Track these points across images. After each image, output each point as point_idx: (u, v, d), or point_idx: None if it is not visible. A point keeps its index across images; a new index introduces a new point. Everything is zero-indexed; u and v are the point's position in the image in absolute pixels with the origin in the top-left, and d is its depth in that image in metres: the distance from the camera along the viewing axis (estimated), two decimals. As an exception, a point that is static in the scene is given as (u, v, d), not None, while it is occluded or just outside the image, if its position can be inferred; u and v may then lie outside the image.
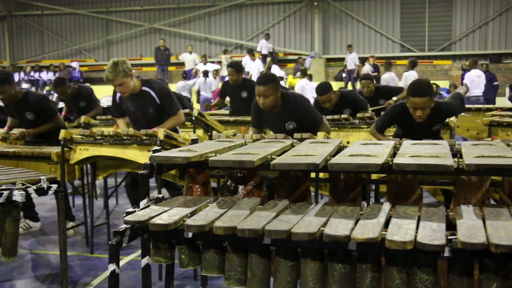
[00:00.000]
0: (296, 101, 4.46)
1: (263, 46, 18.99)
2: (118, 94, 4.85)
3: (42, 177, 3.47)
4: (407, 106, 4.14)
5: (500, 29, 19.45)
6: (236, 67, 7.10)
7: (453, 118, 5.99)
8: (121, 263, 4.44)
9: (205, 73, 16.28)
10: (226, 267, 2.06)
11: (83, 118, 6.21)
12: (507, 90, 14.05)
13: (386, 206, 2.12)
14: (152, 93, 4.72)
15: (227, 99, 7.40)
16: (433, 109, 4.07)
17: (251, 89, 6.97)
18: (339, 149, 2.62)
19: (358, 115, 5.40)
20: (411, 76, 12.21)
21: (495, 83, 15.20)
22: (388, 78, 13.72)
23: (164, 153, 2.47)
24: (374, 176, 2.90)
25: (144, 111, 4.74)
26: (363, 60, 17.84)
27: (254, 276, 2.01)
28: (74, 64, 20.99)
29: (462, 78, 16.14)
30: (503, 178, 2.39)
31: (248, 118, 6.59)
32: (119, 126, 5.04)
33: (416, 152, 2.31)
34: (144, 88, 4.72)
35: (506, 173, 2.22)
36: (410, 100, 4.00)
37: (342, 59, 19.45)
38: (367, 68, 15.98)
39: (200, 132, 6.10)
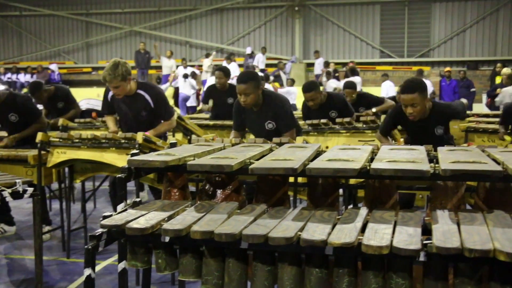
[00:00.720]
0: (276, 101, 4.50)
1: (260, 60, 18.98)
2: (111, 93, 4.80)
3: (17, 181, 3.43)
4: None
5: (477, 36, 19.76)
6: (225, 70, 7.10)
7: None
8: (98, 267, 4.40)
9: (185, 76, 16.24)
10: (203, 272, 2.06)
11: (61, 121, 6.14)
12: (484, 96, 14.23)
13: (363, 211, 2.13)
14: (147, 97, 4.69)
15: (210, 103, 7.30)
16: (432, 109, 4.12)
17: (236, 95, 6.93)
18: (318, 153, 2.63)
19: (338, 120, 5.43)
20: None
21: (472, 89, 15.42)
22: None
23: (142, 157, 2.45)
24: (352, 181, 2.93)
25: (136, 113, 4.72)
26: (327, 64, 18.02)
27: (231, 280, 2.01)
28: (53, 67, 20.76)
29: (441, 85, 16.37)
30: (478, 184, 2.43)
31: (228, 123, 6.59)
32: (107, 123, 5.00)
33: (393, 157, 2.33)
34: (139, 91, 4.70)
35: (481, 178, 2.25)
36: (400, 98, 4.09)
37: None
38: (331, 82, 16.16)
39: (179, 136, 6.09)
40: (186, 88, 16.14)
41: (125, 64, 4.54)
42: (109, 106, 4.89)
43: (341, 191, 3.41)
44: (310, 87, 5.84)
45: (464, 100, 10.15)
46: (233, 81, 9.06)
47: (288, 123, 4.48)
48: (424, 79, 9.99)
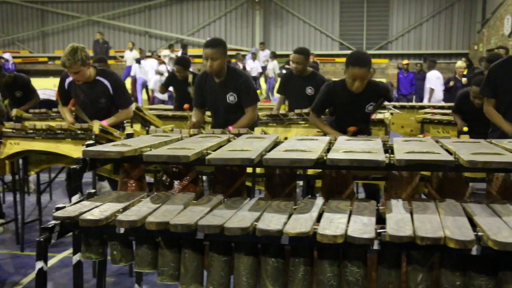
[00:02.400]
0: (241, 74, 4.56)
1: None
2: (68, 81, 4.69)
3: (-32, 172, 3.32)
4: (339, 83, 4.24)
5: (433, 30, 20.17)
6: (183, 63, 7.09)
7: (388, 115, 6.14)
8: (54, 260, 4.32)
9: (137, 61, 16.05)
10: (159, 263, 2.03)
11: (15, 111, 5.98)
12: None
13: (319, 201, 2.14)
14: (107, 83, 4.62)
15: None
16: (368, 84, 4.15)
17: None
18: (275, 144, 2.63)
19: (296, 111, 5.45)
20: (433, 76, 12.30)
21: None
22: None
23: (97, 148, 2.41)
24: (310, 171, 2.94)
25: (95, 100, 4.63)
26: (274, 55, 18.19)
27: (187, 271, 2.00)
28: (7, 56, 20.13)
29: (398, 77, 16.63)
30: (431, 173, 2.47)
31: (187, 114, 6.55)
32: (64, 115, 4.88)
33: (349, 148, 2.35)
34: (98, 77, 4.62)
35: (434, 168, 2.30)
36: (350, 70, 4.03)
37: (283, 56, 19.62)
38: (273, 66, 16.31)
39: (137, 127, 6.01)
40: (143, 72, 15.95)
41: (83, 49, 4.46)
42: (66, 95, 4.78)
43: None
44: (300, 51, 5.94)
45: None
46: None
47: (251, 97, 4.50)
48: (435, 70, 9.90)
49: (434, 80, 12.02)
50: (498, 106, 4.25)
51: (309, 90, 5.83)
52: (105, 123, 4.45)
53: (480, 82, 5.35)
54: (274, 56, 18.28)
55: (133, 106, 5.73)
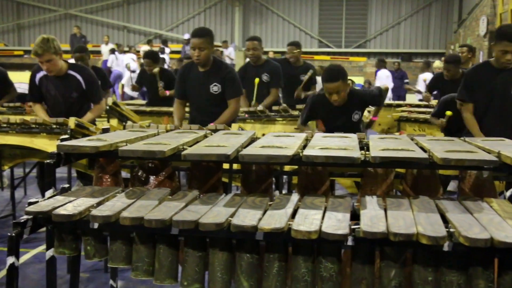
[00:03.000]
0: (227, 65, 4.61)
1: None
2: (38, 76, 4.62)
3: None
4: (322, 95, 4.26)
5: (411, 29, 20.36)
6: (152, 57, 7.05)
7: (365, 113, 6.18)
8: (28, 256, 4.27)
9: (112, 51, 15.81)
10: (134, 258, 2.02)
11: (-11, 105, 5.89)
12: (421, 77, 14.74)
13: (295, 197, 2.15)
14: (79, 78, 4.57)
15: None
16: (350, 95, 4.18)
17: (167, 79, 6.97)
18: (252, 140, 2.63)
19: (274, 107, 5.46)
20: (383, 74, 12.50)
21: (406, 80, 15.84)
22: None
23: (72, 142, 2.38)
24: (287, 168, 2.95)
25: (66, 95, 4.57)
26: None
27: (162, 267, 1.99)
28: (-19, 48, 19.87)
29: (376, 75, 16.76)
30: (406, 170, 2.50)
31: (165, 109, 6.52)
32: (37, 113, 4.80)
33: (326, 145, 2.36)
34: (70, 71, 4.56)
35: (408, 165, 2.32)
36: (324, 86, 4.12)
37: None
38: None
39: (114, 122, 5.96)
40: (119, 64, 15.65)
41: (55, 39, 4.43)
42: (36, 91, 4.70)
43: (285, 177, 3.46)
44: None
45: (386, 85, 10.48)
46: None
47: (236, 89, 4.52)
48: (428, 72, 9.99)
49: (384, 78, 12.34)
50: (475, 111, 4.31)
51: (265, 77, 5.93)
52: None
53: (451, 58, 5.47)
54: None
55: (110, 100, 5.71)
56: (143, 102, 7.85)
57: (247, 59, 6.52)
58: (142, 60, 8.10)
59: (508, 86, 4.16)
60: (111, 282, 3.19)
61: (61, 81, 4.55)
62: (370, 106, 5.33)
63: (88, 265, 4.04)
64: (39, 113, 4.70)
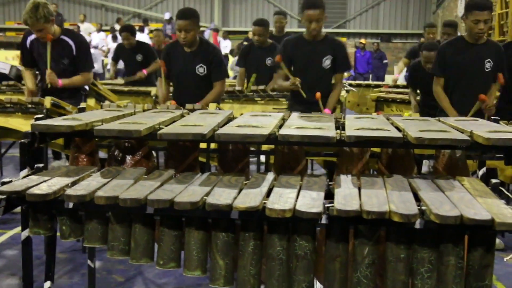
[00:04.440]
0: (214, 47, 4.59)
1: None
2: (29, 39, 4.53)
3: None
4: (295, 36, 4.35)
5: (390, 10, 20.39)
6: (130, 30, 7.05)
7: (343, 93, 6.20)
8: (4, 237, 4.24)
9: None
10: (109, 238, 2.02)
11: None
12: (395, 68, 14.78)
13: (270, 176, 2.16)
14: (71, 43, 4.49)
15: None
16: (325, 37, 4.25)
17: (146, 52, 6.98)
18: (229, 120, 2.63)
19: (252, 88, 5.45)
20: None
21: (385, 61, 15.93)
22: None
23: (47, 121, 2.35)
24: (265, 147, 2.96)
25: (58, 60, 4.49)
26: (216, 30, 18.16)
27: (138, 246, 1.99)
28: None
29: (355, 56, 16.80)
30: (381, 150, 2.52)
31: (143, 89, 6.48)
32: (25, 80, 4.72)
33: (302, 124, 2.37)
34: (63, 36, 4.48)
35: (382, 144, 2.35)
36: (305, 14, 4.12)
37: (242, 32, 19.51)
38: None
39: (92, 101, 5.89)
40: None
41: (46, 4, 4.29)
42: (28, 54, 4.60)
43: (262, 157, 3.45)
44: (263, 22, 6.14)
45: None
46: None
47: (222, 71, 4.52)
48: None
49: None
50: (446, 85, 4.35)
51: (269, 61, 5.87)
52: (60, 82, 4.36)
53: (429, 45, 5.46)
54: (227, 34, 18.14)
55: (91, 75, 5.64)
56: (121, 81, 7.80)
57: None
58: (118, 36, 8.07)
59: (480, 60, 4.21)
60: (88, 262, 3.18)
61: (53, 46, 4.44)
62: (346, 84, 5.31)
63: (66, 246, 4.03)
64: (27, 82, 4.62)
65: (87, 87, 5.01)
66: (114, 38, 15.83)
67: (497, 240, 4.07)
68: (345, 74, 8.35)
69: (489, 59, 4.20)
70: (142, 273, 3.66)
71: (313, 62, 4.22)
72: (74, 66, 4.52)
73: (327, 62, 4.20)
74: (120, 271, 3.69)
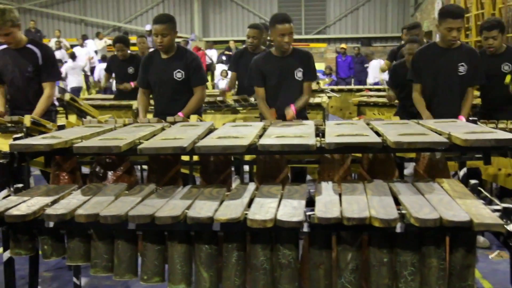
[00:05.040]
0: (191, 52, 4.56)
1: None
2: None
3: None
4: (264, 53, 4.37)
5: (369, 14, 20.54)
6: (124, 41, 7.02)
7: (325, 99, 6.23)
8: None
9: (72, 56, 15.11)
10: (92, 255, 2.01)
11: None
12: (374, 62, 14.95)
13: (251, 186, 2.16)
14: (37, 51, 4.44)
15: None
16: (294, 51, 4.28)
17: (138, 66, 6.93)
18: (210, 131, 2.63)
19: (234, 97, 5.46)
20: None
21: (366, 65, 16.02)
22: None
23: (25, 141, 2.35)
24: (247, 157, 2.96)
25: (23, 69, 4.44)
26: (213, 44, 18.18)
27: (121, 262, 1.98)
28: None
29: (337, 61, 16.90)
30: (362, 155, 2.54)
31: (125, 103, 6.46)
32: None
33: (281, 133, 2.38)
34: (29, 45, 4.45)
35: (362, 150, 2.36)
36: (277, 28, 4.11)
37: (222, 42, 19.53)
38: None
39: (73, 118, 5.86)
40: (75, 74, 14.78)
41: (12, 9, 4.30)
42: None
43: (246, 167, 3.45)
44: (258, 25, 6.03)
45: None
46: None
47: (201, 76, 4.50)
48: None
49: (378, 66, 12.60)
50: (424, 91, 4.40)
51: None
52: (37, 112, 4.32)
53: (413, 39, 5.51)
54: (212, 44, 18.13)
55: (67, 96, 5.62)
56: (103, 96, 7.78)
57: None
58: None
59: (454, 65, 4.26)
60: (74, 279, 3.16)
61: (18, 54, 4.42)
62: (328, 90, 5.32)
63: (52, 264, 3.99)
64: None
65: (56, 103, 4.94)
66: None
67: (482, 239, 4.10)
68: (322, 81, 8.41)
69: (463, 63, 4.24)
70: (129, 288, 3.63)
71: (286, 77, 4.27)
72: (38, 74, 4.50)
73: (299, 74, 4.25)
74: (107, 287, 3.66)
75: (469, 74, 4.26)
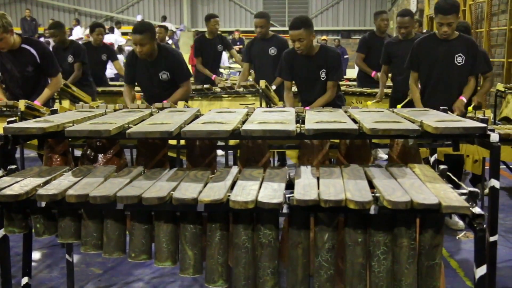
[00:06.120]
0: (172, 52, 4.48)
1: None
2: None
3: None
4: (293, 49, 4.31)
5: (349, 8, 20.55)
6: (104, 26, 6.98)
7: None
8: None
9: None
10: (82, 234, 1.99)
11: None
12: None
13: (234, 170, 2.15)
14: (33, 51, 4.39)
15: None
16: (320, 49, 4.26)
17: (109, 52, 6.91)
18: (196, 117, 2.61)
19: (220, 85, 5.43)
20: None
21: (346, 56, 16.03)
22: None
23: (18, 124, 2.30)
24: (232, 142, 2.95)
25: (22, 69, 4.39)
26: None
27: (110, 240, 1.97)
28: None
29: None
30: (340, 141, 2.54)
31: (117, 89, 6.40)
32: None
33: (264, 119, 2.36)
34: (24, 45, 4.38)
35: (339, 136, 2.36)
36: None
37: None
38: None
39: (66, 103, 5.79)
40: None
41: (4, 15, 4.22)
42: None
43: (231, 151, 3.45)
44: (264, 14, 6.14)
45: None
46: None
47: (184, 73, 4.46)
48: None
49: None
50: (420, 80, 4.41)
51: (272, 50, 5.86)
52: (37, 103, 4.27)
53: (403, 11, 5.55)
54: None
55: (61, 82, 5.54)
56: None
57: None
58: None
59: (450, 55, 4.26)
60: (67, 256, 3.14)
61: (15, 55, 4.37)
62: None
63: (45, 242, 3.97)
64: None
65: None
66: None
67: (460, 222, 4.11)
68: None
69: (460, 54, 4.23)
70: (119, 264, 3.63)
71: (311, 76, 4.28)
72: (39, 72, 4.45)
73: (323, 74, 4.27)
74: (98, 264, 3.65)
75: (467, 64, 4.25)
